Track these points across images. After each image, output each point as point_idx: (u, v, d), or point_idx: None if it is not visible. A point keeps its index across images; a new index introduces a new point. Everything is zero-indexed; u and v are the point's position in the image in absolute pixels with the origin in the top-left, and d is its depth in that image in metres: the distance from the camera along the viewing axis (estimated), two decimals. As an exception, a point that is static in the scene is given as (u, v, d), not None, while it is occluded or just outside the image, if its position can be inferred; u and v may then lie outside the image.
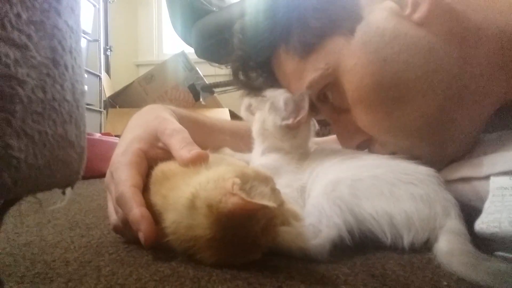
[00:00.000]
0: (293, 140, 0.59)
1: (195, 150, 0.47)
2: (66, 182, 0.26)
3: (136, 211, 0.44)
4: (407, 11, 0.48)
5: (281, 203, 0.44)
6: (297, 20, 0.54)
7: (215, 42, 1.86)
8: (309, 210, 0.48)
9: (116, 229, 0.52)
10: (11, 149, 0.18)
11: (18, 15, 0.19)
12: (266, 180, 0.43)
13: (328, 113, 0.57)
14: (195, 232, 0.39)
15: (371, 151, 0.57)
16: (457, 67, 0.48)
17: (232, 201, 0.37)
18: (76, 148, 0.26)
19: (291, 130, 0.58)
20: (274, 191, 0.43)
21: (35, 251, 0.49)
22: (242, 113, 0.65)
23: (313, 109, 0.57)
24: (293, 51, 0.55)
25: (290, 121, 0.57)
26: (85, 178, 1.32)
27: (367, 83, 0.50)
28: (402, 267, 0.41)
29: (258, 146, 0.63)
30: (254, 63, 0.62)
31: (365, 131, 0.54)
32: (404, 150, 0.53)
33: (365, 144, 0.56)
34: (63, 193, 0.29)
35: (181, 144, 0.49)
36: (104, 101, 2.83)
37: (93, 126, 2.64)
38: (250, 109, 0.64)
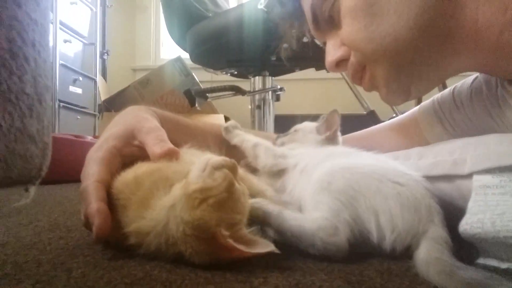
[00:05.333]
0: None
1: (166, 146, 0.49)
2: (26, 178, 0.25)
3: (94, 205, 0.44)
4: None
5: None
6: None
7: (210, 47, 1.85)
8: (313, 204, 0.48)
9: (84, 225, 0.51)
10: (-45, 140, 0.17)
11: (-32, 2, 0.18)
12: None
13: (326, 28, 0.63)
14: None
15: (348, 69, 0.63)
16: (435, 2, 0.52)
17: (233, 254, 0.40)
18: (37, 143, 0.25)
19: (328, 140, 0.69)
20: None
21: (9, 252, 0.48)
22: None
23: (315, 19, 0.63)
24: None
25: (327, 134, 0.70)
26: (74, 180, 1.32)
27: None
28: (380, 274, 0.40)
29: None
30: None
31: (346, 42, 0.60)
32: (369, 64, 0.59)
33: (344, 63, 0.62)
34: (26, 190, 0.28)
35: (155, 140, 0.50)
36: (99, 104, 2.82)
37: (87, 130, 2.63)
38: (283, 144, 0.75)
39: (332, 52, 0.63)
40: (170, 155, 0.48)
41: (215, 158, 0.44)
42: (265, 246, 0.41)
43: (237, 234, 0.41)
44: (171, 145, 0.50)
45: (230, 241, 0.39)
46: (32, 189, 0.29)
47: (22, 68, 0.22)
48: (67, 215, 0.76)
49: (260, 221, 0.46)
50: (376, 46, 0.56)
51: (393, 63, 0.57)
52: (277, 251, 0.40)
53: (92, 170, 0.48)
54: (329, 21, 0.62)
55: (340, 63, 0.62)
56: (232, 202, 0.41)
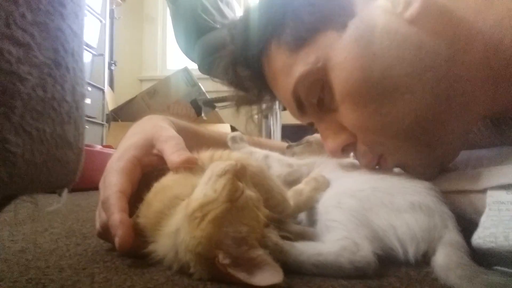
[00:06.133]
0: None
1: (185, 154, 0.49)
2: (62, 182, 0.26)
3: (116, 216, 0.44)
4: (399, 9, 0.48)
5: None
6: (292, 14, 0.54)
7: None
8: (326, 225, 0.47)
9: (98, 234, 0.52)
10: (8, 144, 0.19)
11: (23, 15, 0.19)
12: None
13: (315, 113, 0.55)
14: None
15: (356, 156, 0.56)
16: (445, 68, 0.47)
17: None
18: (74, 148, 0.26)
19: None
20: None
21: (29, 257, 0.48)
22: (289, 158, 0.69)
23: (300, 106, 0.56)
24: (285, 45, 0.54)
25: None
26: (84, 189, 1.33)
27: (357, 77, 0.49)
28: (400, 279, 0.40)
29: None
30: (244, 59, 0.60)
31: (352, 130, 0.52)
32: (391, 152, 0.52)
33: (350, 147, 0.55)
34: (60, 194, 0.29)
35: (173, 149, 0.50)
36: (106, 114, 2.85)
37: (95, 139, 2.65)
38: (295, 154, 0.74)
39: (332, 138, 0.55)
40: (188, 163, 0.48)
41: (220, 165, 0.41)
42: (272, 276, 0.36)
43: (244, 256, 0.38)
44: (189, 154, 0.50)
45: (230, 270, 0.36)
46: (65, 194, 0.30)
47: (64, 77, 0.24)
48: (81, 222, 0.77)
49: (271, 253, 0.40)
50: (396, 131, 0.49)
51: (420, 145, 0.50)
52: (283, 284, 0.36)
53: (114, 180, 0.48)
54: (318, 107, 0.54)
55: (346, 148, 0.55)
56: (236, 211, 0.38)
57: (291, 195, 0.52)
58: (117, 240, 0.43)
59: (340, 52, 0.50)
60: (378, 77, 0.48)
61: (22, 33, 0.19)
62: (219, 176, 0.39)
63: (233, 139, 0.70)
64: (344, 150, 0.55)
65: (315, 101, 0.53)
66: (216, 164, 0.42)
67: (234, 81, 0.64)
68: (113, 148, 1.90)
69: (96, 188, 0.54)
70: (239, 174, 0.40)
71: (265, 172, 0.48)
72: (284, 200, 0.49)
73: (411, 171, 0.53)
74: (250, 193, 0.40)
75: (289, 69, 0.54)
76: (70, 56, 0.25)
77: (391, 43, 0.48)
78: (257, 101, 0.67)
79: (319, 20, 0.52)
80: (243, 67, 0.61)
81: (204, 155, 0.51)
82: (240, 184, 0.40)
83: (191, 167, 0.48)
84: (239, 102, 0.67)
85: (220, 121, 2.88)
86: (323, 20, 0.52)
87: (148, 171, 0.52)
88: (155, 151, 0.53)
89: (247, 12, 0.60)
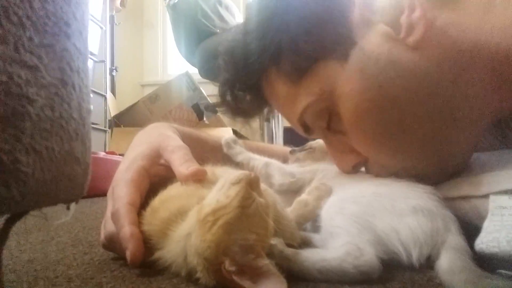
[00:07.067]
0: None
1: (194, 166, 0.48)
2: (71, 197, 0.27)
3: (127, 229, 0.44)
4: (402, 34, 0.48)
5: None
6: (288, 43, 0.52)
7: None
8: (329, 231, 0.47)
9: (103, 245, 0.52)
10: (20, 164, 0.19)
11: (30, 39, 0.20)
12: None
13: (322, 134, 0.56)
14: None
15: (369, 172, 0.56)
16: (450, 90, 0.48)
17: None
18: (81, 164, 0.27)
19: None
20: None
21: (38, 268, 0.49)
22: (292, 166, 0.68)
23: (307, 130, 0.57)
24: (285, 75, 0.54)
25: None
26: (88, 196, 1.32)
27: (364, 108, 0.49)
28: (404, 284, 0.41)
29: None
30: (242, 85, 0.60)
31: (364, 154, 0.53)
32: (404, 169, 0.52)
33: (360, 165, 0.55)
34: (68, 208, 0.29)
35: (181, 160, 0.50)
36: (109, 120, 2.86)
37: (98, 145, 2.66)
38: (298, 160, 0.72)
39: (341, 157, 0.56)
40: (197, 176, 0.48)
41: (234, 173, 0.41)
42: (276, 286, 0.36)
43: (250, 264, 0.38)
44: (197, 165, 0.49)
45: (235, 277, 0.36)
46: (73, 207, 0.30)
47: (70, 95, 0.24)
48: (86, 230, 0.78)
49: (276, 261, 0.40)
50: (407, 155, 0.51)
51: (432, 162, 0.51)
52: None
53: (123, 192, 0.47)
54: (325, 130, 0.55)
55: (356, 165, 0.56)
56: (246, 218, 0.38)
57: (296, 207, 0.53)
58: (128, 253, 0.43)
59: (345, 83, 0.50)
60: (385, 107, 0.49)
61: (30, 56, 0.20)
62: (233, 184, 0.40)
63: (228, 144, 0.69)
64: (354, 167, 0.56)
65: (320, 126, 0.54)
66: (230, 172, 0.43)
67: (233, 106, 0.63)
68: (116, 154, 1.90)
69: (100, 195, 0.54)
70: (252, 183, 0.41)
71: (278, 210, 0.48)
72: (295, 237, 0.49)
73: (423, 181, 0.53)
74: (261, 200, 0.41)
75: (293, 98, 0.54)
76: (75, 74, 0.25)
77: (396, 73, 0.48)
78: (254, 115, 0.67)
79: (318, 50, 0.51)
80: (242, 92, 0.61)
81: (219, 171, 0.51)
82: (252, 192, 0.40)
83: (200, 179, 0.48)
84: (235, 114, 0.66)
85: (222, 125, 2.88)
86: (322, 49, 0.51)
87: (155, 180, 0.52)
88: (162, 161, 0.53)
89: (242, 34, 0.58)
